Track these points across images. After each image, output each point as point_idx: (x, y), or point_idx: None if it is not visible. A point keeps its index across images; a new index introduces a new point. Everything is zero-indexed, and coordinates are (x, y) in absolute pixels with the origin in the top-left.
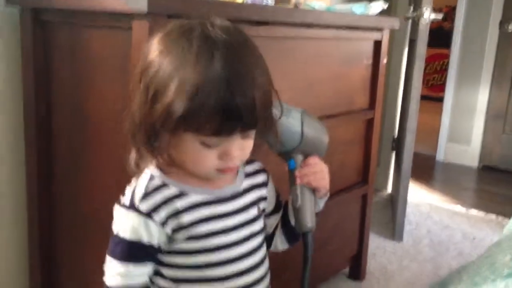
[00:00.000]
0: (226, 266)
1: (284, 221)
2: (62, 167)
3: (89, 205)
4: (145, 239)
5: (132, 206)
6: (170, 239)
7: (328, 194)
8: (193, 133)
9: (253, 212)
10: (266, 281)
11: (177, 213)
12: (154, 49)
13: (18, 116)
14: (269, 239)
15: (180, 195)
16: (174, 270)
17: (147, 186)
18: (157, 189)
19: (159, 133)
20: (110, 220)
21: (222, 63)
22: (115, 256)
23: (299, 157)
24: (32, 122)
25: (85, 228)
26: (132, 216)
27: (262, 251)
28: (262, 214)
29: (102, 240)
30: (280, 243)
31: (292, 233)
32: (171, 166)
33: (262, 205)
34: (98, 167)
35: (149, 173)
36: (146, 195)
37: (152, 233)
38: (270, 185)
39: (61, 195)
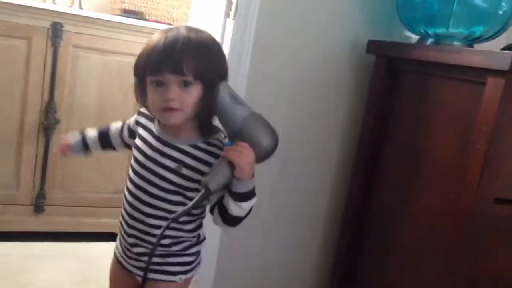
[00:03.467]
0: (138, 172)
1: (221, 203)
2: (384, 196)
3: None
4: (127, 124)
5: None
6: (131, 135)
7: (248, 180)
8: (147, 75)
9: (168, 162)
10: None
11: (139, 124)
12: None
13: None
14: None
15: (151, 119)
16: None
17: (144, 109)
18: (146, 112)
19: (140, 86)
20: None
21: (167, 40)
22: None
23: (237, 142)
24: (363, 152)
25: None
26: (133, 116)
27: (166, 191)
28: (179, 171)
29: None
30: (217, 218)
31: (224, 213)
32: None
33: (185, 171)
34: (420, 203)
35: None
36: (140, 112)
37: (130, 124)
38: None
39: (376, 221)
